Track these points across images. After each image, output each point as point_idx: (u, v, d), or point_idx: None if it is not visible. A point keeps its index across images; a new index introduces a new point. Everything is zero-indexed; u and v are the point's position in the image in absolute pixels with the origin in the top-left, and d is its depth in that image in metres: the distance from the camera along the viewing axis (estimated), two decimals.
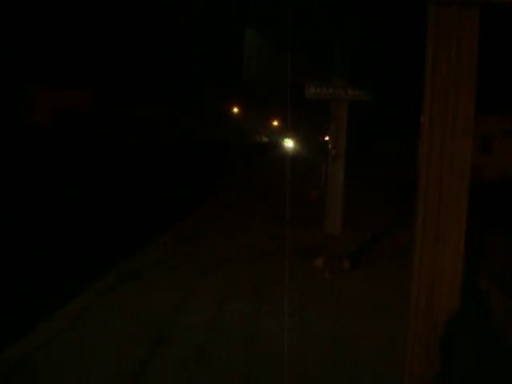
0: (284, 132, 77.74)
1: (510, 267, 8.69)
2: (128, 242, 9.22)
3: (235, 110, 57.00)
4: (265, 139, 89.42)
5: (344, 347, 5.18)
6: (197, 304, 6.25)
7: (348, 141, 8.01)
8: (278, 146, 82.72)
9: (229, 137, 48.53)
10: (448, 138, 2.84)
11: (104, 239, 9.42)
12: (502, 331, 5.76)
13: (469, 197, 2.96)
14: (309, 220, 13.25)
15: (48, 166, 9.33)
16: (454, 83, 2.80)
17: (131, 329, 5.38)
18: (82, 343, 5.00)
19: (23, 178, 8.45)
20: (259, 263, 8.25)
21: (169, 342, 5.10)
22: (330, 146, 8.04)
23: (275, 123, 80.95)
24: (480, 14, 2.77)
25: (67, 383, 4.22)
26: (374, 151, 55.69)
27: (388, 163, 44.09)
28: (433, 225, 2.94)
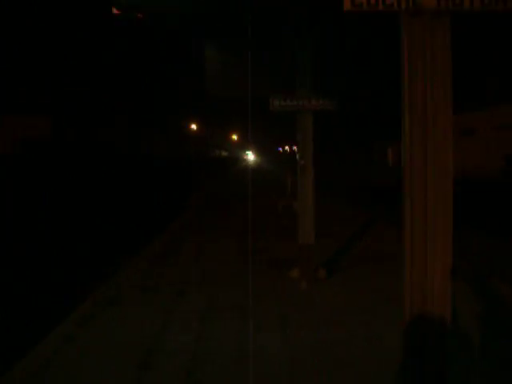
0: (244, 145, 78.01)
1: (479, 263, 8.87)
2: (99, 266, 9.10)
3: (193, 126, 56.96)
4: (224, 153, 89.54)
5: (331, 353, 5.19)
6: (180, 326, 6.18)
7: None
8: (239, 159, 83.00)
9: (189, 153, 48.51)
10: (429, 141, 2.89)
11: (73, 263, 9.31)
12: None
13: None
14: (278, 231, 13.30)
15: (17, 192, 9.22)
16: (431, 88, 2.85)
17: (116, 356, 5.29)
18: (63, 376, 4.88)
19: None
20: (235, 278, 8.21)
21: (155, 366, 5.02)
22: (297, 157, 8.08)
23: (235, 137, 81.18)
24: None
25: None
26: (336, 159, 56.45)
27: (348, 171, 44.84)
28: (421, 226, 2.96)
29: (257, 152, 78.02)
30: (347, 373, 4.75)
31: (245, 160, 75.09)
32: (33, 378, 4.82)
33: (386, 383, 4.48)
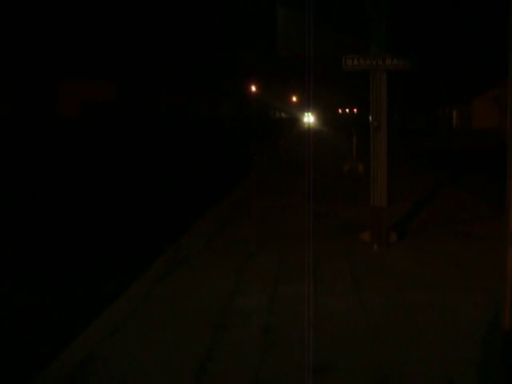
0: (304, 107, 77.28)
1: None
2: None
3: (253, 88, 56.71)
4: (284, 115, 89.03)
5: (410, 319, 5.10)
6: (252, 287, 6.18)
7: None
8: (299, 121, 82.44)
9: (250, 113, 48.50)
10: None
11: (147, 224, 9.46)
12: None
13: None
14: (344, 194, 13.16)
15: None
16: None
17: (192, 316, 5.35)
18: (144, 331, 4.97)
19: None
20: (306, 241, 8.15)
21: (231, 326, 5.05)
22: (370, 118, 7.90)
23: (294, 99, 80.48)
24: None
25: (136, 369, 4.18)
26: (398, 124, 55.42)
27: (414, 135, 43.92)
28: None
29: (318, 114, 77.25)
30: (419, 342, 4.64)
31: (305, 122, 74.47)
32: (112, 333, 4.92)
33: (463, 356, 4.35)
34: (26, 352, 5.00)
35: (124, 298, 5.88)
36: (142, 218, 10.61)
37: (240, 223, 9.90)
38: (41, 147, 16.89)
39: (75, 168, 16.11)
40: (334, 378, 3.99)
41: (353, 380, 3.96)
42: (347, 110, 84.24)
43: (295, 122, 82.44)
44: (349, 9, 7.78)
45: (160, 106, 26.96)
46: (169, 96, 29.36)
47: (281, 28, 7.86)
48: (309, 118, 71.84)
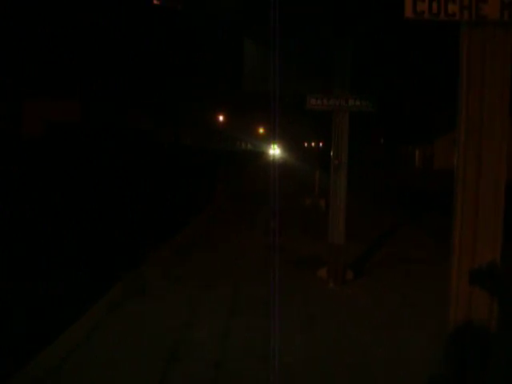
0: (270, 140, 77.86)
1: None
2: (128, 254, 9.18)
3: (221, 119, 57.02)
4: (249, 147, 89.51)
5: (361, 356, 5.17)
6: (206, 319, 6.20)
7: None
8: (264, 153, 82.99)
9: (215, 144, 48.67)
10: (484, 150, 2.88)
11: (104, 250, 9.38)
12: None
13: None
14: (304, 229, 13.28)
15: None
16: (488, 97, 2.85)
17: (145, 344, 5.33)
18: (95, 362, 4.93)
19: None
20: (264, 274, 8.19)
21: (182, 358, 5.05)
22: (332, 156, 8.05)
23: (261, 131, 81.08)
24: None
25: None
26: (360, 162, 56.19)
27: (376, 174, 44.55)
28: (470, 236, 2.95)
29: (283, 147, 77.86)
30: (369, 377, 4.72)
31: (270, 154, 74.86)
32: (60, 362, 4.88)
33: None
34: None
35: (76, 327, 5.83)
36: (100, 244, 10.51)
37: (199, 253, 9.91)
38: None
39: (32, 186, 15.83)
40: None
41: None
42: (312, 144, 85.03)
43: (261, 154, 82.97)
44: (314, 50, 7.99)
45: (125, 131, 26.92)
46: (134, 121, 29.35)
47: (247, 66, 8.02)
48: (274, 151, 72.27)
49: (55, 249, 9.91)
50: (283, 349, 5.29)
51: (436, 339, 5.46)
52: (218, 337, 5.62)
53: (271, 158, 67.76)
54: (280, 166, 53.81)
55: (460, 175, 3.00)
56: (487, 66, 2.84)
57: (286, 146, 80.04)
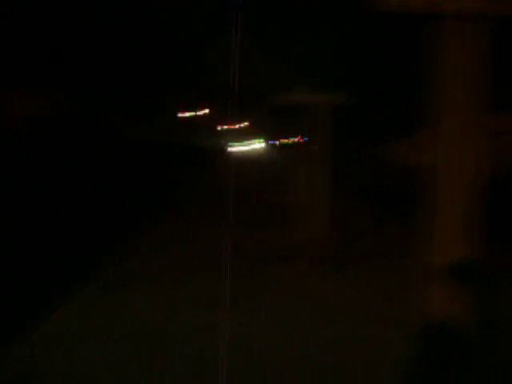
0: (245, 134, 77.45)
1: None
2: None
3: (186, 114, 56.32)
4: (224, 142, 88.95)
5: (338, 351, 5.16)
6: (177, 314, 6.15)
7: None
8: (241, 148, 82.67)
9: (180, 139, 48.15)
10: (459, 142, 2.89)
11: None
12: None
13: None
14: (285, 224, 13.23)
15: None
16: (466, 91, 2.85)
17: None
18: (66, 359, 4.88)
19: None
20: (242, 269, 8.14)
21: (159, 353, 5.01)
22: (313, 150, 8.03)
23: (236, 126, 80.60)
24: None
25: None
26: (340, 157, 56.07)
27: (355, 168, 44.52)
28: (448, 225, 2.95)
29: (262, 141, 77.57)
30: (346, 372, 4.72)
31: (248, 149, 74.36)
32: (33, 361, 4.82)
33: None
34: None
35: (55, 317, 5.78)
36: (69, 242, 10.29)
37: (172, 248, 9.79)
38: None
39: None
40: None
41: None
42: (293, 139, 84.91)
43: (236, 148, 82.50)
44: (295, 43, 7.97)
45: (92, 125, 26.49)
46: (102, 116, 28.88)
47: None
48: (251, 146, 71.88)
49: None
50: (259, 343, 5.26)
51: (413, 336, 5.50)
52: (193, 331, 5.57)
53: (248, 153, 67.50)
54: (259, 160, 53.60)
55: (437, 171, 2.99)
56: (466, 59, 2.83)
57: (265, 140, 79.90)
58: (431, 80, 2.95)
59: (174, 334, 5.51)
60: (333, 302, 6.82)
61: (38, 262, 8.35)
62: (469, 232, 3.01)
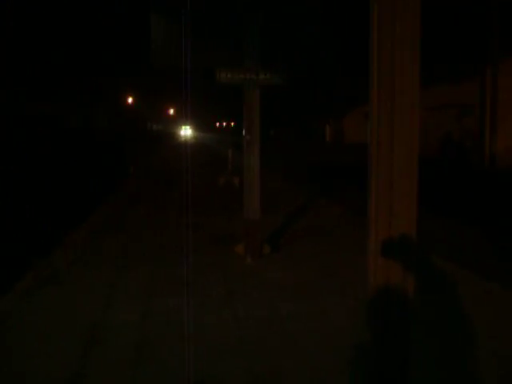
0: (181, 120, 77.06)
1: None
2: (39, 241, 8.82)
3: (129, 99, 55.86)
4: (159, 127, 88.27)
5: (283, 328, 5.18)
6: (125, 302, 6.03)
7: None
8: (176, 134, 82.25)
9: (124, 126, 47.79)
10: (396, 115, 2.87)
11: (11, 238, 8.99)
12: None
13: None
14: (219, 207, 13.24)
15: None
16: (400, 60, 2.83)
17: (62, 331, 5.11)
18: (7, 352, 4.69)
19: None
20: (179, 254, 8.06)
21: (102, 342, 4.88)
22: (244, 132, 7.99)
23: (171, 111, 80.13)
24: None
25: None
26: (273, 138, 56.78)
27: (289, 149, 45.11)
28: (386, 200, 2.95)
29: (195, 127, 77.28)
30: (293, 350, 4.74)
31: (182, 135, 74.17)
32: None
33: (334, 360, 4.48)
34: None
35: None
36: (7, 232, 10.04)
37: (113, 236, 9.66)
38: None
39: None
40: None
41: None
42: (224, 124, 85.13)
43: (173, 135, 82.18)
44: (224, 22, 7.86)
45: (31, 116, 25.85)
46: (40, 107, 28.19)
47: (155, 39, 7.79)
48: (186, 131, 71.64)
49: None
50: (205, 326, 5.22)
51: (356, 308, 5.59)
52: (137, 319, 5.47)
53: (183, 139, 67.20)
54: (193, 146, 53.57)
55: (373, 147, 2.99)
56: (397, 23, 2.82)
57: (199, 125, 79.62)
58: (371, 44, 2.93)
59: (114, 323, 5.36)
60: (272, 280, 6.84)
61: None
62: (404, 206, 3.02)
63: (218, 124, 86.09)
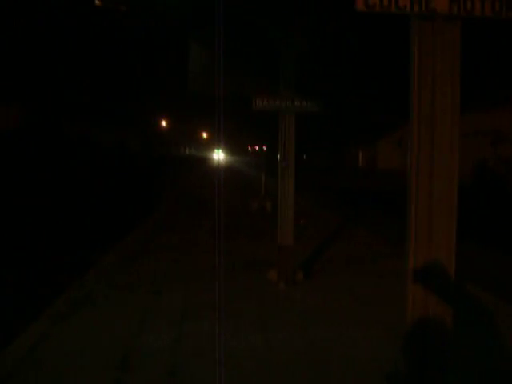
0: (213, 144, 77.46)
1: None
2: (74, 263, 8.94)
3: (163, 123, 56.53)
4: (193, 152, 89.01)
5: (315, 355, 5.15)
6: (158, 326, 6.07)
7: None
8: (208, 158, 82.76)
9: (159, 150, 48.33)
10: (436, 143, 2.89)
11: (44, 260, 9.12)
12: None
13: None
14: (252, 232, 13.25)
15: None
16: (440, 91, 2.85)
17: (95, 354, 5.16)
18: (42, 375, 4.75)
19: None
20: (214, 278, 8.09)
21: (135, 366, 4.91)
22: (278, 157, 8.04)
23: (204, 135, 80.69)
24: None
25: None
26: (305, 163, 56.87)
27: (322, 175, 45.10)
28: (425, 230, 2.95)
29: (227, 151, 77.60)
30: (325, 377, 4.71)
31: (214, 159, 74.44)
32: (7, 378, 4.67)
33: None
34: None
35: (22, 339, 5.61)
36: (42, 254, 10.21)
37: (147, 260, 9.73)
38: None
39: None
40: None
41: None
42: (256, 148, 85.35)
43: (205, 158, 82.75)
44: (260, 50, 7.97)
45: (69, 138, 26.34)
46: (79, 128, 28.74)
47: (192, 67, 7.93)
48: (218, 155, 71.96)
49: None
50: (238, 351, 5.23)
51: (390, 337, 5.54)
52: (170, 343, 5.50)
53: (215, 162, 67.51)
54: (225, 169, 53.83)
55: (413, 174, 3.00)
56: (438, 59, 2.85)
57: (231, 149, 79.94)
58: (412, 79, 2.96)
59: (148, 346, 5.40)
60: (305, 307, 6.83)
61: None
62: (443, 235, 3.01)
63: (249, 148, 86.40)
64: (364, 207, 19.57)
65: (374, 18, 3.36)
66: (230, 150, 79.36)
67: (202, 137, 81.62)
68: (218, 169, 52.91)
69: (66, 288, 7.60)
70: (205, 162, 79.19)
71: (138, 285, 7.90)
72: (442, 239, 2.99)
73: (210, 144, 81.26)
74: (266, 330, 5.95)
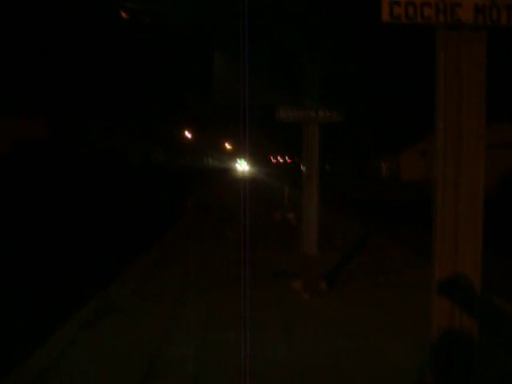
0: (236, 155, 77.80)
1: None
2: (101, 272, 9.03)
3: (188, 135, 56.96)
4: (216, 162, 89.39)
5: (340, 366, 5.14)
6: (183, 335, 6.11)
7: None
8: (231, 169, 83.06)
9: (183, 161, 48.65)
10: (463, 154, 2.89)
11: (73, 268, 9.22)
12: None
13: None
14: (276, 242, 13.25)
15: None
16: (466, 101, 2.86)
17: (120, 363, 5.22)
18: (69, 381, 4.81)
19: None
20: (235, 288, 8.12)
21: (160, 374, 4.96)
22: (302, 168, 8.07)
23: (228, 146, 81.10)
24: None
25: None
26: (329, 171, 56.89)
27: (345, 185, 45.05)
28: (451, 241, 2.95)
29: (250, 162, 77.88)
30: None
31: (238, 170, 74.74)
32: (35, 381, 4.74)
33: None
34: None
35: (50, 345, 5.70)
36: (70, 263, 10.33)
37: (171, 269, 9.79)
38: None
39: None
40: None
41: None
42: (279, 159, 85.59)
43: (228, 169, 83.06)
44: (284, 61, 8.02)
45: (94, 149, 26.68)
46: (104, 139, 29.10)
47: (217, 79, 8.00)
48: (242, 166, 72.23)
49: (22, 268, 9.72)
50: (263, 360, 5.24)
51: (416, 348, 5.51)
52: (195, 352, 5.54)
53: (239, 173, 67.70)
54: (248, 180, 53.92)
55: (439, 186, 3.01)
56: (463, 69, 2.86)
57: (254, 160, 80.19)
58: (437, 89, 2.98)
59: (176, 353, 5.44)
60: (330, 317, 6.82)
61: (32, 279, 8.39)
62: (469, 247, 3.01)
63: (273, 159, 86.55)
64: (388, 218, 19.48)
65: (399, 29, 3.38)
66: (253, 160, 79.62)
67: (225, 147, 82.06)
68: (240, 180, 53.00)
69: (93, 297, 7.69)
70: (228, 172, 79.49)
71: (163, 294, 7.95)
72: (467, 251, 2.99)
73: (233, 155, 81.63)
74: (289, 339, 5.96)
